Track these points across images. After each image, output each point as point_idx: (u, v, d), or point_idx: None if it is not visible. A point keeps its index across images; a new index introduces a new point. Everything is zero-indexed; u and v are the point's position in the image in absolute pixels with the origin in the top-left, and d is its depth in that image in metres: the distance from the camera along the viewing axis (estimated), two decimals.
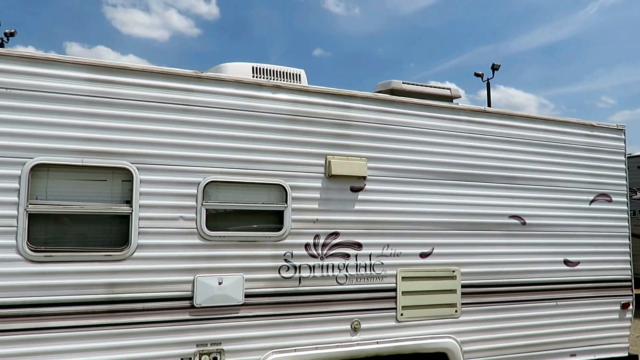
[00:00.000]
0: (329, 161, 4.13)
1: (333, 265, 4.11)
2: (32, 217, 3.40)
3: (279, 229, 3.96)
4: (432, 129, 4.57)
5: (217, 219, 3.82)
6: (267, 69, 4.79)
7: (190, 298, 3.67)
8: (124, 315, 3.52)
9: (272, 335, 3.87)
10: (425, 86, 4.71)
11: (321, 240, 4.08)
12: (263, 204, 3.94)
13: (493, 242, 4.74)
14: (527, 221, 4.90)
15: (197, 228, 3.72)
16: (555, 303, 4.97)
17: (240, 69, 4.64)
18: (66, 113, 3.49)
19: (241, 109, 3.92)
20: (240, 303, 3.79)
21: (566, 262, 5.06)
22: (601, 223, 5.28)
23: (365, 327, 4.17)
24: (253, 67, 4.73)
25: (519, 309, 4.79)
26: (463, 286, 4.58)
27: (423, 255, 4.45)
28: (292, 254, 3.98)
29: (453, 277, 4.54)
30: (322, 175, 4.14)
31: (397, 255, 4.35)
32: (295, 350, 3.92)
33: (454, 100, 4.85)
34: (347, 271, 4.15)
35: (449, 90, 4.76)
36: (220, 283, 3.73)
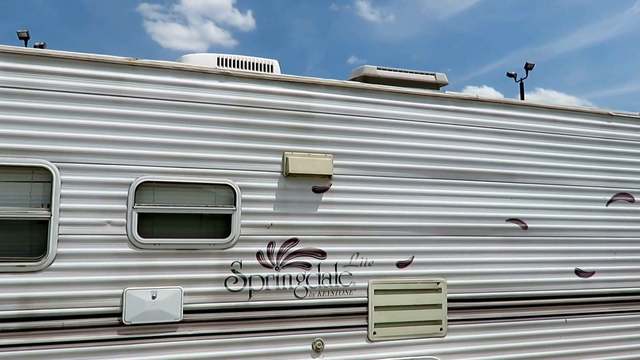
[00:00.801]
0: (287, 158, 3.63)
1: (291, 277, 3.60)
2: None
3: (226, 235, 3.48)
4: (413, 120, 4.00)
5: (152, 225, 3.37)
6: (234, 60, 4.35)
7: (119, 314, 3.23)
8: (40, 334, 3.11)
9: (216, 357, 3.39)
10: (405, 72, 4.14)
11: (276, 248, 3.58)
12: (207, 206, 3.47)
13: (487, 249, 4.12)
14: (529, 225, 4.25)
15: (127, 235, 3.28)
16: (564, 320, 4.30)
17: (205, 60, 4.20)
18: None
19: (182, 100, 3.46)
20: (178, 320, 3.32)
21: (578, 272, 4.38)
22: (621, 227, 4.57)
23: (329, 348, 3.63)
24: (219, 58, 4.29)
25: (518, 326, 4.15)
26: (450, 300, 3.98)
27: (401, 265, 3.88)
28: (241, 263, 3.50)
29: (437, 290, 3.95)
30: (279, 174, 3.64)
31: (369, 264, 3.79)
32: None
33: (440, 88, 4.26)
34: (307, 283, 3.63)
35: (433, 77, 4.18)
36: (154, 297, 3.28)
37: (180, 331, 3.33)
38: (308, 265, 3.64)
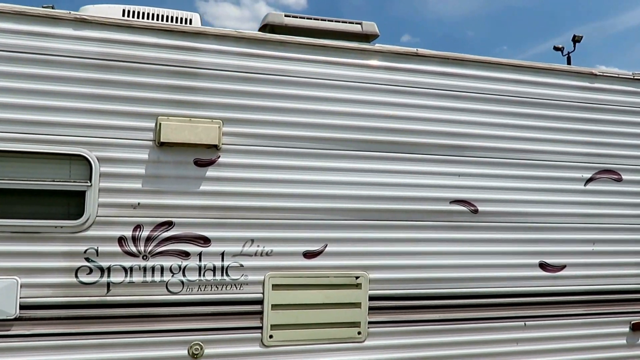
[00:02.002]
0: (160, 123, 2.97)
1: (162, 268, 2.97)
2: None
3: (79, 217, 2.87)
4: (330, 79, 3.27)
5: None
6: (145, 12, 3.72)
7: None
8: None
9: None
10: (321, 20, 3.39)
11: (145, 233, 2.95)
12: (53, 181, 2.85)
13: (422, 236, 3.38)
14: (479, 208, 3.48)
15: None
16: (522, 323, 3.53)
17: (107, 11, 3.58)
18: None
19: (23, 51, 2.84)
20: (12, 317, 2.75)
21: (543, 266, 3.59)
22: (603, 211, 3.73)
23: (210, 354, 3.00)
24: (124, 10, 3.67)
25: (461, 331, 3.41)
26: (373, 298, 3.27)
27: (309, 255, 3.19)
28: (97, 250, 2.88)
29: (356, 286, 3.25)
30: (151, 143, 2.99)
31: (267, 254, 3.12)
32: None
33: (372, 42, 3.50)
34: (184, 275, 3.00)
35: (359, 26, 3.42)
36: None
37: (15, 330, 2.75)
38: (186, 254, 3.00)
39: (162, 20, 3.65)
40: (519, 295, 3.53)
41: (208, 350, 2.99)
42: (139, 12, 3.71)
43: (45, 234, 2.82)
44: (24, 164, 2.82)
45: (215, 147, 3.06)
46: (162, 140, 2.95)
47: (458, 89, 3.49)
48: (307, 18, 3.36)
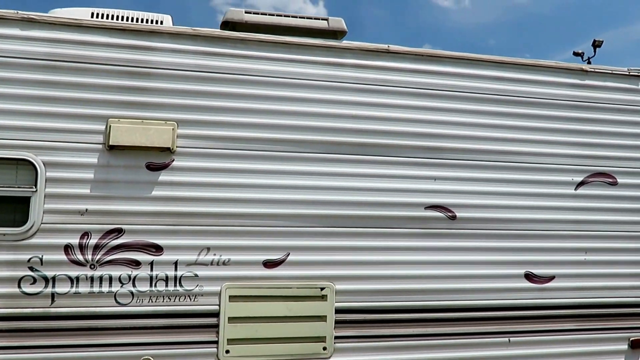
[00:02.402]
0: (110, 126, 2.84)
1: (111, 277, 2.82)
2: None
3: (22, 224, 2.74)
4: (294, 78, 3.10)
5: None
6: (115, 15, 3.62)
7: None
8: None
9: None
10: (284, 16, 3.22)
11: (93, 241, 2.81)
12: None
13: (394, 245, 3.16)
14: (457, 214, 3.25)
15: None
16: (506, 339, 3.27)
17: (76, 14, 3.48)
18: None
19: None
20: None
21: (529, 277, 3.33)
22: (596, 217, 3.46)
23: None
24: (93, 13, 3.57)
25: (439, 347, 3.17)
26: (339, 311, 3.06)
27: (270, 265, 3.00)
28: (41, 259, 2.75)
29: (321, 297, 3.04)
30: (101, 147, 2.85)
31: (224, 263, 2.95)
32: None
33: (341, 39, 3.32)
34: (134, 286, 2.84)
35: (325, 22, 3.24)
36: None
37: None
38: (136, 263, 2.85)
39: (132, 22, 3.53)
40: (502, 309, 3.28)
41: None
42: (108, 15, 3.60)
43: None
44: None
45: (168, 150, 2.90)
46: (111, 143, 2.82)
47: (434, 87, 3.28)
48: (270, 14, 3.19)
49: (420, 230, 3.19)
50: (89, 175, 2.83)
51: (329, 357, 3.02)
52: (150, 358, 2.81)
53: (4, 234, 2.71)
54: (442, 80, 3.30)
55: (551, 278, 3.35)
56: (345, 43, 3.22)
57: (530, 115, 3.40)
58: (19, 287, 2.72)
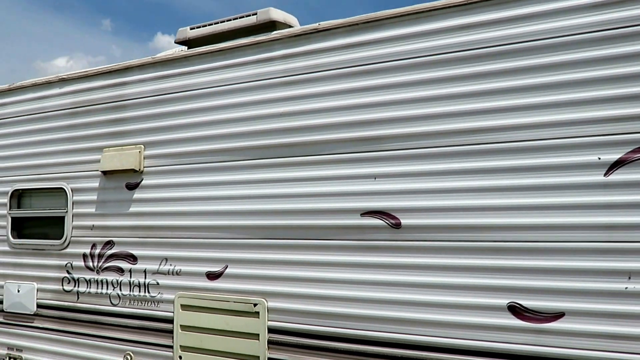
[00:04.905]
0: (102, 155, 3.43)
1: (107, 281, 3.40)
2: None
3: (61, 237, 3.60)
4: (230, 83, 3.01)
5: (22, 227, 3.85)
6: None
7: (1, 302, 3.87)
8: None
9: (58, 354, 3.57)
10: (222, 22, 3.08)
11: (97, 251, 3.45)
12: (50, 210, 3.68)
13: (326, 260, 2.67)
14: (402, 220, 2.49)
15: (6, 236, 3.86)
16: None
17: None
18: None
19: (26, 114, 3.79)
20: (33, 312, 3.69)
21: (516, 311, 2.26)
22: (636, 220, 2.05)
23: None
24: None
25: None
26: (272, 330, 2.80)
27: (211, 276, 3.02)
28: (72, 265, 3.55)
29: (254, 314, 2.86)
30: (100, 173, 3.47)
31: (177, 273, 3.13)
32: None
33: (274, 31, 2.98)
34: (120, 290, 3.34)
35: (254, 17, 2.96)
36: (18, 290, 3.77)
37: (36, 323, 3.68)
38: (121, 271, 3.34)
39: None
40: (476, 354, 2.32)
41: None
42: None
43: (47, 250, 3.66)
44: (37, 197, 3.76)
45: (139, 172, 3.27)
46: (101, 168, 3.39)
47: (370, 60, 2.60)
48: (209, 24, 3.14)
49: (356, 242, 2.59)
50: (94, 196, 3.47)
51: None
52: (131, 353, 3.25)
53: (53, 245, 3.62)
54: (380, 50, 2.57)
55: (558, 315, 2.17)
56: (274, 34, 2.89)
57: (512, 71, 2.28)
58: (62, 285, 3.58)
